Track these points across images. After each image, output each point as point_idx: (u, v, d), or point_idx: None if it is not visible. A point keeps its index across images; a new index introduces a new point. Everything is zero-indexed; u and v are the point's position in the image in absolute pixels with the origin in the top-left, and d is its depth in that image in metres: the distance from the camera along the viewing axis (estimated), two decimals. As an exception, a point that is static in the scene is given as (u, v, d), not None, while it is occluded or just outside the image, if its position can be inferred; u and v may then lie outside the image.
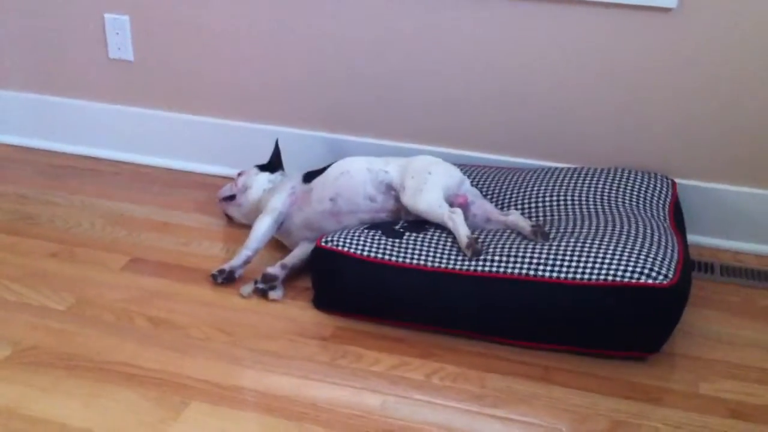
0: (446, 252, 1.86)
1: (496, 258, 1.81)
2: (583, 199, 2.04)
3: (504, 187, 2.16)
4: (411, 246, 1.89)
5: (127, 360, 1.75)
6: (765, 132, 2.15)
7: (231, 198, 2.27)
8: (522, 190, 2.12)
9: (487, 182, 2.19)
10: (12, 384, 1.66)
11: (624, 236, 1.83)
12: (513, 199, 2.11)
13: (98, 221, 2.32)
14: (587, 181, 2.11)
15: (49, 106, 2.72)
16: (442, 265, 1.83)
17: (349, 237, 1.93)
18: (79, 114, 2.70)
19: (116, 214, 2.36)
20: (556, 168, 2.23)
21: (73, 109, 2.70)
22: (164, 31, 2.53)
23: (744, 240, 2.24)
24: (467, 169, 2.23)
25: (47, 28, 2.63)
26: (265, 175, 2.26)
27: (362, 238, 1.92)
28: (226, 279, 2.01)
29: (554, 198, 2.06)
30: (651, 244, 1.80)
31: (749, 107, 2.13)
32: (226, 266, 2.02)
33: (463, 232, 1.85)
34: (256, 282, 1.99)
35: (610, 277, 1.73)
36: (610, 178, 2.12)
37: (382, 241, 1.91)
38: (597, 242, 1.81)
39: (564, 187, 2.09)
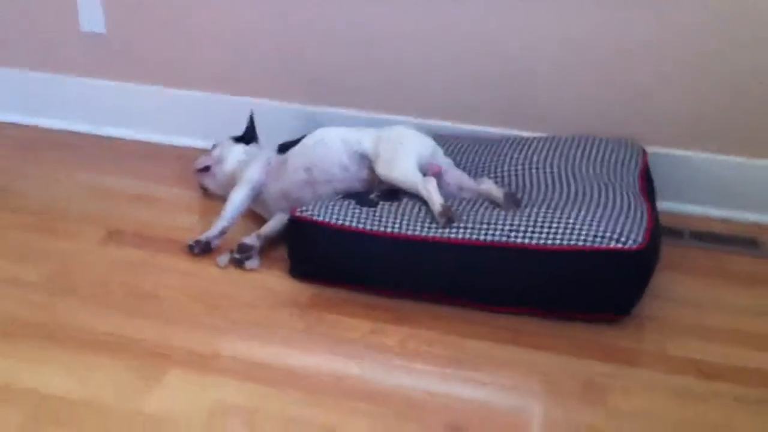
0: (420, 220, 1.88)
1: (470, 225, 1.84)
2: (555, 167, 2.07)
3: (477, 156, 2.18)
4: (385, 214, 1.91)
5: (106, 330, 1.76)
6: (732, 99, 2.18)
7: (206, 169, 2.28)
8: (495, 159, 2.15)
9: (461, 152, 2.21)
10: (-9, 355, 1.68)
11: (594, 202, 1.86)
12: (486, 168, 2.13)
13: (75, 194, 2.32)
14: (559, 150, 2.13)
15: (22, 80, 2.70)
16: (416, 233, 1.86)
17: (323, 207, 1.94)
18: (52, 88, 2.69)
19: (93, 187, 2.36)
20: (529, 137, 2.25)
21: (46, 82, 2.68)
22: (137, 3, 2.51)
23: (713, 206, 2.28)
24: (440, 139, 2.24)
25: (17, 1, 2.61)
26: (240, 147, 2.27)
27: (337, 208, 1.94)
28: (203, 250, 2.03)
29: (526, 166, 2.09)
30: (621, 210, 1.83)
31: (717, 75, 2.16)
32: (203, 237, 2.04)
33: (436, 200, 1.88)
34: (232, 252, 2.01)
35: (581, 242, 1.76)
36: (581, 146, 2.15)
37: (357, 211, 1.93)
38: (568, 208, 1.84)
39: (536, 156, 2.12)
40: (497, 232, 1.81)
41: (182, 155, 2.54)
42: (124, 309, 1.84)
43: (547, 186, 2.00)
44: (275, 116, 2.48)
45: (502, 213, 1.85)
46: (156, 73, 2.59)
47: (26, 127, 2.73)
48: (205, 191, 2.32)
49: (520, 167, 2.09)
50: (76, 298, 1.87)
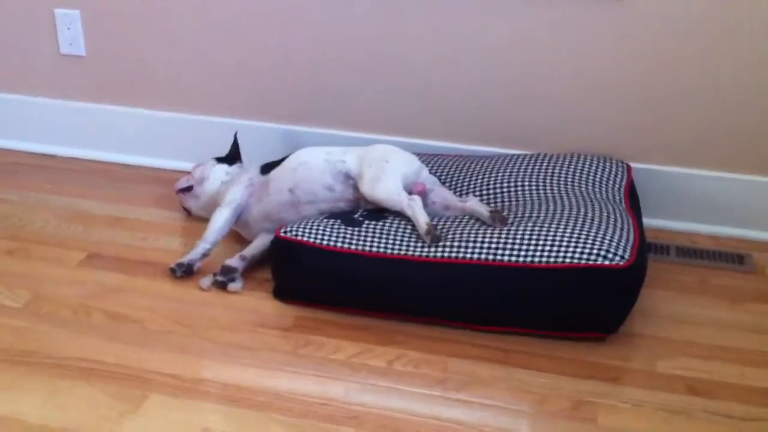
0: (405, 239, 1.86)
1: (455, 244, 1.82)
2: (540, 184, 2.06)
3: (462, 174, 2.17)
4: (370, 234, 1.89)
5: (85, 355, 1.73)
6: (717, 116, 2.18)
7: (188, 189, 2.25)
8: (480, 176, 2.14)
9: (446, 170, 2.20)
10: (-32, 383, 1.64)
11: (581, 220, 1.85)
12: (471, 186, 2.12)
13: (53, 218, 2.28)
14: (544, 167, 2.13)
15: (1, 104, 2.67)
16: (402, 252, 1.84)
17: (308, 227, 1.92)
18: (31, 110, 2.66)
19: (72, 210, 2.33)
20: (514, 155, 2.24)
21: (25, 105, 2.65)
22: (116, 25, 2.50)
23: (698, 221, 2.28)
24: (425, 157, 2.23)
25: (-4, 24, 2.59)
26: (223, 167, 2.25)
27: (321, 228, 1.92)
28: (185, 272, 2.00)
29: (512, 184, 2.08)
30: (607, 227, 1.82)
31: (701, 92, 2.17)
32: (185, 259, 2.01)
33: (422, 219, 1.86)
34: (215, 274, 1.98)
35: (567, 260, 1.75)
36: (567, 163, 2.14)
37: (342, 230, 1.91)
38: (554, 226, 1.82)
39: (521, 173, 2.11)
40: (483, 251, 1.80)
41: (163, 177, 2.51)
42: (104, 333, 1.81)
43: (532, 203, 1.99)
44: (257, 136, 2.46)
45: (489, 231, 1.84)
46: (136, 95, 2.57)
47: (5, 150, 2.69)
48: (188, 213, 2.30)
49: (505, 185, 2.08)
50: (54, 323, 1.84)
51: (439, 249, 1.82)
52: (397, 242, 1.86)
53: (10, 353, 1.73)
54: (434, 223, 1.88)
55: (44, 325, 1.83)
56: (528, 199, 2.02)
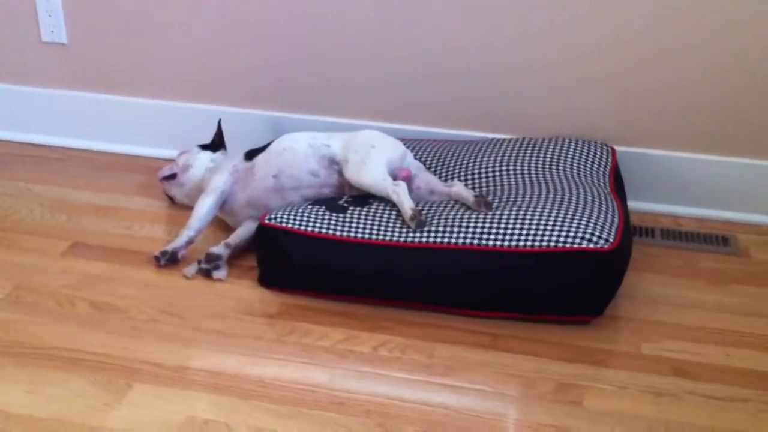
0: (391, 225, 1.86)
1: (440, 229, 1.82)
2: (525, 168, 2.06)
3: (447, 159, 2.17)
4: (355, 220, 1.88)
5: (69, 345, 1.72)
6: (701, 99, 2.18)
7: (172, 177, 2.24)
8: (464, 161, 2.13)
9: (430, 155, 2.20)
10: (-49, 374, 1.63)
11: (565, 203, 1.85)
12: (456, 171, 2.11)
13: (37, 207, 2.27)
14: (528, 151, 2.12)
15: (-19, 92, 2.65)
16: (387, 238, 1.83)
17: (293, 213, 1.91)
18: (13, 99, 2.63)
19: (55, 199, 2.31)
20: (498, 139, 2.24)
21: (6, 94, 2.63)
22: (98, 12, 2.47)
23: (683, 204, 2.28)
24: (410, 142, 2.23)
25: (-24, 12, 2.56)
26: (207, 154, 2.23)
27: (306, 214, 1.91)
28: (170, 260, 1.99)
29: (496, 168, 2.08)
30: (591, 210, 1.82)
31: (685, 74, 2.16)
32: (169, 248, 2.00)
33: (407, 204, 1.86)
34: (199, 262, 1.97)
35: (552, 243, 1.75)
36: (551, 147, 2.14)
37: (327, 217, 1.90)
38: (539, 210, 1.82)
39: (506, 158, 2.11)
40: (468, 236, 1.79)
41: (146, 165, 2.49)
42: (88, 323, 1.80)
43: (517, 187, 1.99)
44: (242, 123, 2.45)
45: (473, 216, 1.83)
46: (119, 82, 2.55)
47: (-14, 139, 2.68)
48: (171, 201, 2.28)
49: (490, 169, 2.07)
50: (38, 313, 1.83)
51: (425, 234, 1.82)
52: (383, 228, 1.86)
53: (-6, 344, 1.72)
54: (419, 208, 1.87)
55: (28, 316, 1.82)
56: (512, 183, 2.02)
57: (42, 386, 1.60)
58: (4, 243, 2.09)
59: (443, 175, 2.12)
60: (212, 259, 1.96)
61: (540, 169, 2.05)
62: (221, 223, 2.14)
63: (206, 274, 1.96)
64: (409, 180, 1.97)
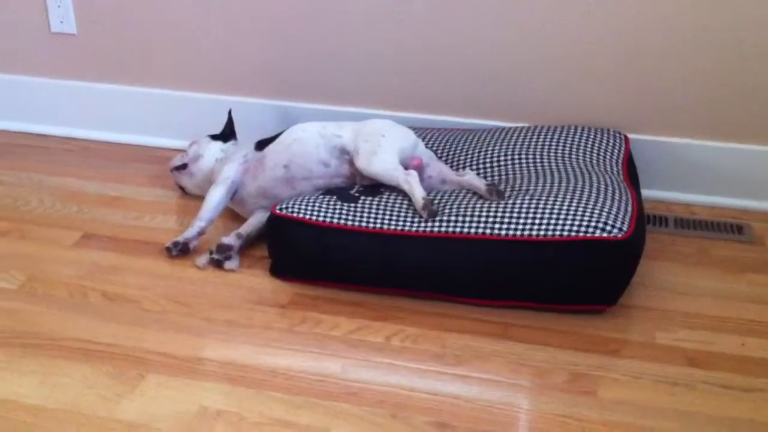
0: (402, 214, 1.85)
1: (452, 218, 1.81)
2: (537, 156, 2.05)
3: (458, 148, 2.15)
4: (367, 210, 1.87)
5: (81, 336, 1.72)
6: (714, 85, 2.16)
7: (183, 167, 2.23)
8: (476, 150, 2.12)
9: (442, 144, 2.18)
10: (-36, 365, 1.63)
11: (578, 192, 1.83)
12: (468, 160, 2.10)
13: (48, 198, 2.27)
14: (541, 139, 2.11)
15: (-8, 83, 2.66)
16: (399, 228, 1.83)
17: (304, 203, 1.91)
18: (23, 90, 2.63)
19: (66, 190, 2.31)
20: (510, 127, 2.22)
21: (16, 85, 2.63)
22: (107, 2, 2.46)
23: (697, 192, 2.26)
24: (421, 131, 2.22)
25: (-15, 3, 2.56)
26: (218, 144, 2.23)
27: (317, 204, 1.90)
28: (181, 251, 1.99)
29: (508, 157, 2.06)
30: (605, 199, 1.81)
31: (697, 60, 2.14)
32: (180, 238, 2.00)
33: (418, 193, 1.84)
34: (211, 252, 1.97)
35: (565, 233, 1.73)
36: (563, 135, 2.12)
37: (338, 206, 1.89)
38: (552, 199, 1.81)
39: (518, 146, 2.09)
40: (481, 225, 1.78)
41: (157, 156, 2.49)
42: (100, 314, 1.80)
43: (530, 176, 1.97)
44: (252, 113, 2.44)
45: (485, 205, 1.82)
46: (129, 73, 2.55)
47: (-3, 130, 2.68)
48: (183, 191, 2.28)
49: (502, 158, 2.06)
50: (50, 303, 1.83)
51: (436, 223, 1.81)
52: (394, 217, 1.85)
53: (6, 335, 1.72)
54: (431, 197, 1.86)
55: (40, 306, 1.82)
56: (525, 172, 2.00)
57: (54, 376, 1.61)
58: (16, 234, 2.10)
59: (455, 164, 2.11)
60: (224, 250, 1.96)
61: (553, 157, 2.04)
62: (232, 214, 2.14)
63: (218, 264, 1.95)
64: (420, 169, 1.96)
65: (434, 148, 2.15)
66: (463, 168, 2.07)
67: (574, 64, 2.22)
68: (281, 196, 2.01)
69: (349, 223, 1.86)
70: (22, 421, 1.50)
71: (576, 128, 2.16)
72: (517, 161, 2.04)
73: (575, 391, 1.59)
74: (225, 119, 2.30)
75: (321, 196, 1.93)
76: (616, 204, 1.80)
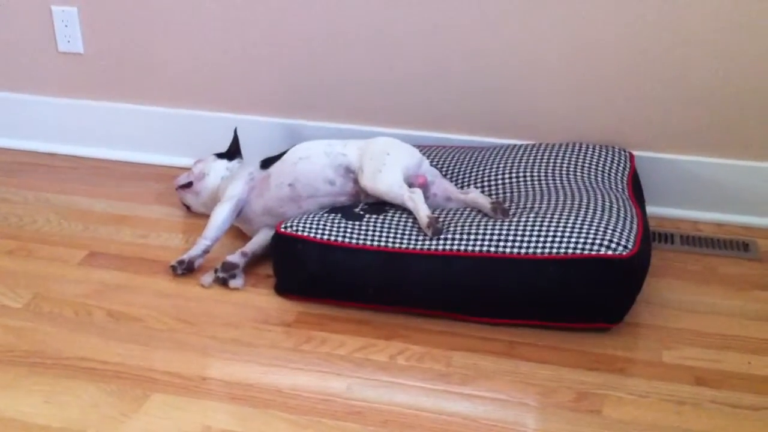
0: (407, 232, 1.85)
1: (457, 236, 1.80)
2: (542, 174, 2.05)
3: (463, 165, 2.15)
4: (371, 228, 1.87)
5: (87, 355, 1.72)
6: (719, 101, 2.16)
7: (188, 185, 2.24)
8: (481, 168, 2.12)
9: (446, 162, 2.18)
10: (-31, 384, 1.63)
11: (583, 209, 1.83)
12: (472, 178, 2.10)
13: (54, 217, 2.27)
14: (545, 157, 2.11)
15: (-1, 102, 2.67)
16: (404, 246, 1.83)
17: (309, 221, 1.91)
18: (30, 109, 2.65)
19: (72, 208, 2.32)
20: (514, 145, 2.22)
21: (23, 104, 2.64)
22: (114, 22, 2.48)
23: (703, 209, 2.25)
24: (426, 149, 2.22)
25: (-7, 23, 2.58)
26: (223, 163, 2.23)
27: (322, 222, 1.90)
28: (186, 269, 1.99)
29: (513, 175, 2.06)
30: (610, 216, 1.81)
31: (702, 77, 2.14)
32: (186, 256, 2.00)
33: (423, 211, 1.85)
34: (216, 271, 1.97)
35: (570, 250, 1.73)
36: (568, 152, 2.12)
37: (342, 224, 1.89)
38: (557, 216, 1.81)
39: (522, 164, 2.09)
40: (485, 243, 1.78)
41: (162, 174, 2.50)
42: (105, 332, 1.80)
43: (534, 194, 1.97)
44: (257, 131, 2.45)
45: (490, 223, 1.82)
46: (135, 91, 2.56)
47: (3, 149, 2.68)
48: (188, 209, 2.28)
49: (506, 175, 2.06)
50: (55, 322, 1.83)
51: (441, 242, 1.81)
52: (399, 235, 1.85)
53: (11, 353, 1.72)
54: (436, 215, 1.86)
55: (45, 325, 1.82)
56: (530, 189, 2.00)
57: (59, 395, 1.61)
58: (22, 252, 2.10)
59: (459, 181, 2.11)
60: (229, 268, 1.96)
61: (557, 175, 2.04)
62: (237, 232, 2.14)
63: (223, 282, 1.95)
64: (425, 187, 1.96)
65: (439, 166, 2.15)
66: (468, 186, 2.07)
67: (578, 81, 2.22)
68: (286, 215, 2.01)
69: (354, 241, 1.86)
70: (27, 440, 1.50)
71: (581, 145, 2.16)
72: (521, 179, 2.04)
73: (581, 410, 1.58)
74: (230, 137, 2.31)
75: (326, 214, 1.93)
76: (621, 221, 1.79)
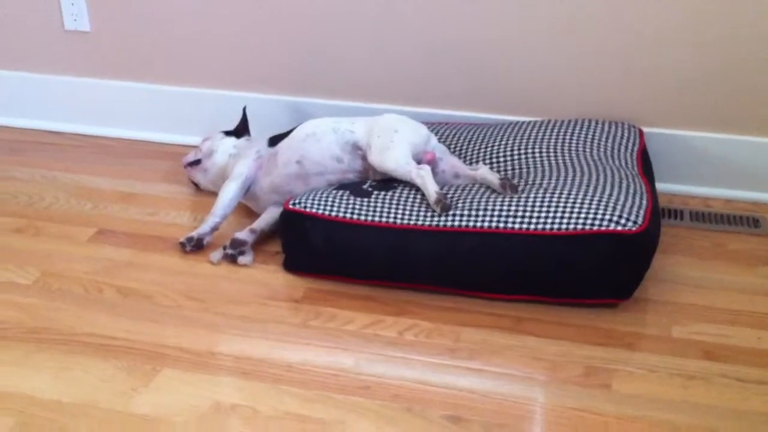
0: (415, 209, 1.85)
1: (466, 212, 1.80)
2: (551, 150, 2.04)
3: (471, 142, 2.15)
4: (380, 204, 1.87)
5: (96, 331, 1.73)
6: (729, 77, 2.14)
7: (196, 163, 2.24)
8: (489, 144, 2.11)
9: (454, 138, 2.18)
10: (-20, 360, 1.64)
11: (592, 185, 1.82)
12: (481, 154, 2.09)
13: (62, 195, 2.28)
14: (554, 133, 2.10)
15: (6, 81, 2.66)
16: (412, 222, 1.82)
17: (317, 198, 1.91)
18: (37, 88, 2.64)
19: (80, 187, 2.32)
20: (524, 121, 2.22)
21: (30, 82, 2.64)
22: (121, 0, 2.47)
23: (712, 185, 2.24)
24: (434, 126, 2.21)
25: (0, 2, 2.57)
26: (231, 140, 2.23)
27: (330, 199, 1.90)
28: (195, 246, 1.99)
29: (522, 151, 2.05)
30: (619, 192, 1.80)
31: (713, 53, 2.13)
32: (194, 234, 2.00)
33: (431, 188, 1.84)
34: (225, 248, 1.97)
35: (579, 226, 1.73)
36: (577, 128, 2.11)
37: (351, 201, 1.89)
38: (566, 192, 1.80)
39: (531, 140, 2.08)
40: (494, 219, 1.78)
41: (170, 152, 2.49)
42: (114, 309, 1.80)
43: (543, 170, 1.96)
44: (265, 109, 2.44)
45: (499, 199, 1.81)
46: (142, 70, 2.55)
47: (11, 129, 2.68)
48: (196, 187, 2.28)
49: (515, 151, 2.05)
50: (64, 299, 1.84)
51: (450, 218, 1.80)
52: (407, 212, 1.84)
53: (21, 330, 1.73)
54: (444, 192, 1.86)
55: (55, 302, 1.83)
56: (538, 165, 2.00)
57: (69, 371, 1.61)
58: (31, 230, 2.11)
59: (468, 158, 2.10)
60: (237, 245, 1.96)
61: (566, 151, 2.03)
62: (246, 209, 2.14)
63: (232, 259, 1.96)
64: (433, 163, 1.96)
65: (447, 143, 2.14)
66: (477, 162, 2.06)
67: (588, 57, 2.21)
68: (294, 192, 2.01)
69: (363, 217, 1.86)
70: (37, 415, 1.51)
71: (590, 122, 2.15)
72: (530, 155, 2.03)
73: (590, 385, 1.59)
74: (238, 115, 2.30)
75: (334, 191, 1.93)
76: (630, 197, 1.79)
